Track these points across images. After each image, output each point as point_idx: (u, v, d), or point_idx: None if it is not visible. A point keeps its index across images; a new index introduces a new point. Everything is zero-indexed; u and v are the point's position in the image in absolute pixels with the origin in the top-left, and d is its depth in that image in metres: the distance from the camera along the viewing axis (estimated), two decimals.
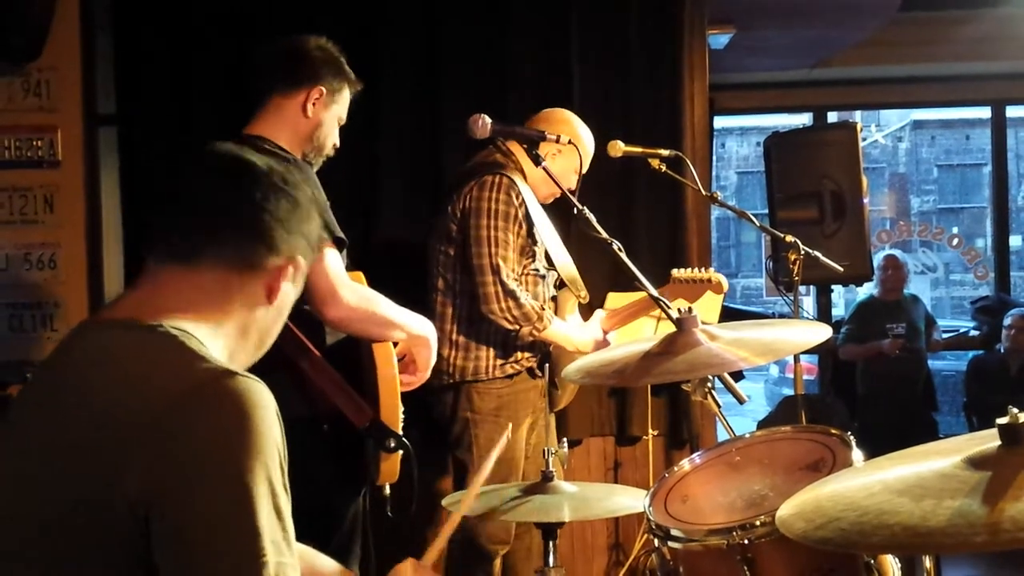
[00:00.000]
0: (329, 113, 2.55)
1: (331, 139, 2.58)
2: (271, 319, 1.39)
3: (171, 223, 1.34)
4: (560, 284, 3.16)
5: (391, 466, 2.35)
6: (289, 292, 1.39)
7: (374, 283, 2.86)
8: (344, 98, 2.59)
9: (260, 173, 1.36)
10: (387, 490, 2.40)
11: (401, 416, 2.39)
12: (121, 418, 1.16)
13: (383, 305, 2.40)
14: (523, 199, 2.93)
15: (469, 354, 2.99)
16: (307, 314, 2.31)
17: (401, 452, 2.35)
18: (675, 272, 3.20)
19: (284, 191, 1.36)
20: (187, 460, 1.14)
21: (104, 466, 1.15)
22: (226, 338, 1.33)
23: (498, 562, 3.12)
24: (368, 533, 2.56)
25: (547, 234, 3.03)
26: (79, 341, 1.31)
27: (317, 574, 1.59)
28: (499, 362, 3.00)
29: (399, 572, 1.57)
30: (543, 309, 2.94)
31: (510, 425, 2.06)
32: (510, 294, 2.88)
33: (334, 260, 2.31)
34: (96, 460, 1.16)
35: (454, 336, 2.99)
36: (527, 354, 3.04)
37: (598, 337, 3.11)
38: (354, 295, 2.32)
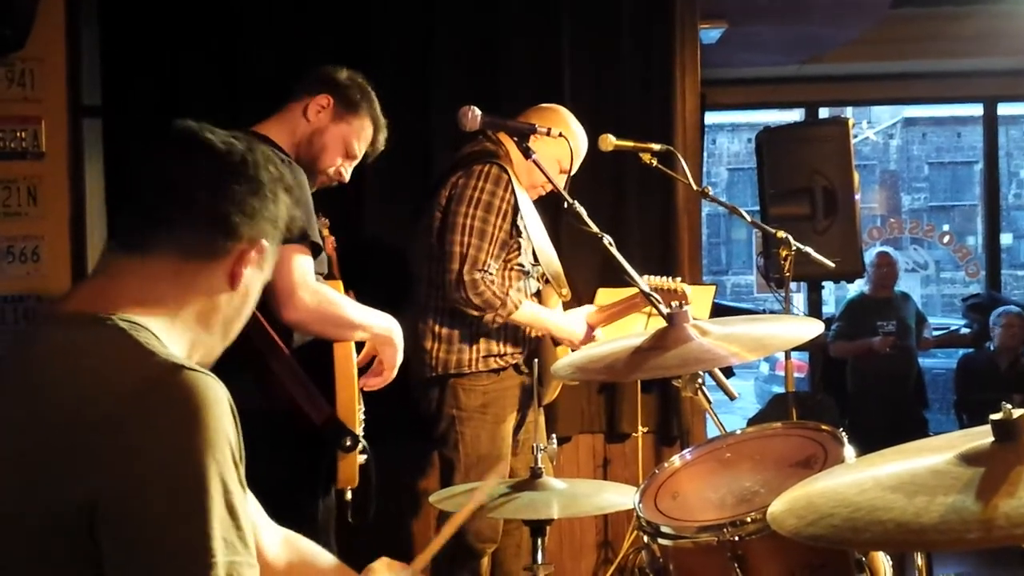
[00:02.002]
0: (334, 128, 2.51)
1: (330, 155, 2.51)
2: (236, 306, 1.33)
3: (123, 211, 1.30)
4: (546, 280, 3.13)
5: (349, 467, 2.31)
6: (255, 277, 1.33)
7: (359, 279, 2.83)
8: (358, 127, 2.54)
9: (216, 154, 1.29)
10: (348, 495, 2.37)
11: (360, 417, 2.36)
12: (69, 418, 1.12)
13: (343, 307, 2.37)
14: (512, 189, 2.91)
15: (452, 347, 2.96)
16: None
17: (361, 454, 2.32)
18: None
19: (243, 172, 1.29)
20: (133, 458, 1.09)
21: (53, 468, 1.11)
22: (185, 328, 1.28)
23: (486, 560, 3.10)
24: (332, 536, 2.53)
25: (534, 228, 3.00)
26: (32, 338, 1.27)
27: (313, 567, 1.56)
28: (482, 355, 2.96)
29: (372, 571, 1.53)
30: (507, 295, 2.91)
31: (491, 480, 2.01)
32: (471, 283, 2.84)
33: (301, 263, 2.27)
34: (45, 462, 1.12)
35: (436, 328, 2.96)
36: (513, 349, 3.01)
37: (579, 327, 3.08)
38: (313, 298, 2.28)
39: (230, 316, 1.33)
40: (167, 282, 1.26)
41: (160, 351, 1.19)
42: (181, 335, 1.28)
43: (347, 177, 2.58)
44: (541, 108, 3.13)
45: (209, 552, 1.08)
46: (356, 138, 2.55)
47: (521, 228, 2.96)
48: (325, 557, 1.58)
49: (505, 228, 2.92)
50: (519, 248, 2.98)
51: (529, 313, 2.97)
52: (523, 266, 3.02)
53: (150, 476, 1.09)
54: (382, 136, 2.60)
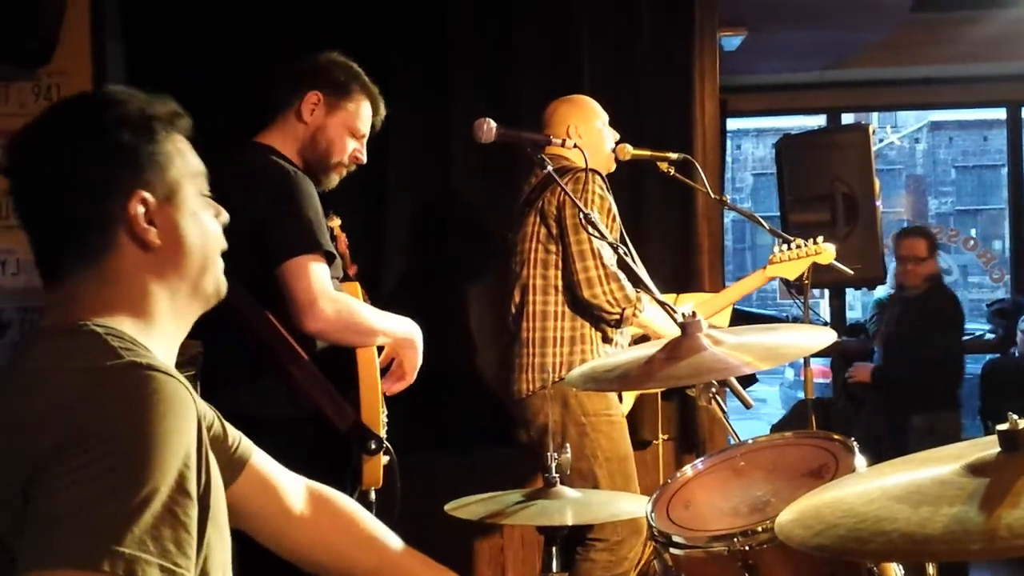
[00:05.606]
0: (333, 119, 2.51)
1: (339, 147, 2.52)
2: (171, 256, 1.27)
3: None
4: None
5: (373, 469, 2.35)
6: (168, 219, 1.26)
7: (380, 278, 2.85)
8: (356, 109, 2.53)
9: (27, 173, 1.23)
10: (372, 495, 2.40)
11: (384, 419, 2.38)
12: (30, 427, 1.11)
13: (364, 314, 2.38)
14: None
15: (575, 348, 2.99)
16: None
17: (385, 456, 2.36)
18: (773, 256, 3.36)
19: (58, 174, 1.22)
20: (73, 441, 1.07)
21: (11, 471, 1.10)
22: (150, 313, 1.26)
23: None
24: None
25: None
26: (19, 352, 1.26)
27: (369, 537, 1.58)
28: (605, 350, 2.98)
29: None
30: (637, 291, 2.96)
31: None
32: (612, 276, 2.89)
33: (318, 273, 2.29)
34: (13, 464, 1.10)
35: (558, 333, 2.99)
36: (624, 343, 3.05)
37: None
38: (333, 307, 2.29)
39: (177, 268, 1.29)
40: (105, 290, 1.24)
41: (124, 351, 1.16)
42: (163, 317, 1.27)
43: (364, 158, 2.57)
44: (550, 112, 3.20)
45: (116, 540, 1.02)
46: (357, 120, 2.54)
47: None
48: (390, 536, 1.59)
49: (615, 228, 2.98)
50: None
51: (648, 317, 3.01)
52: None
53: (84, 460, 1.05)
54: (381, 105, 2.59)
